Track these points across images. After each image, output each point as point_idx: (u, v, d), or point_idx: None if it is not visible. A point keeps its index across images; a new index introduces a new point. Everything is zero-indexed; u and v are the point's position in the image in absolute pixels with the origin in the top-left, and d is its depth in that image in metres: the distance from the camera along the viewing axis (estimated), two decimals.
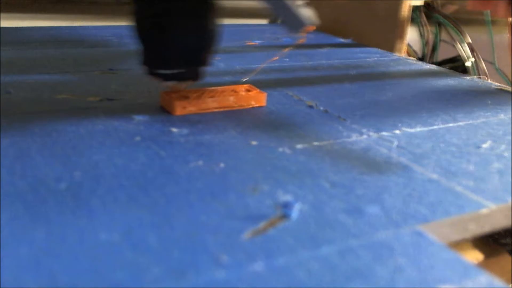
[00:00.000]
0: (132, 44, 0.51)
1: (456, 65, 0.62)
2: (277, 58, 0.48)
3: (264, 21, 0.79)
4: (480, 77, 0.50)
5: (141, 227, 0.19)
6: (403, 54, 0.57)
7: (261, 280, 0.16)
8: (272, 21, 0.77)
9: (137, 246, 0.18)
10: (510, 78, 0.57)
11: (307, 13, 0.27)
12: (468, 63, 0.59)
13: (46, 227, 0.18)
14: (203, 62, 0.32)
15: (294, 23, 0.27)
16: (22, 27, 0.56)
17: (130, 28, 0.31)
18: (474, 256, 0.29)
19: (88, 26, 0.61)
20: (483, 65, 0.59)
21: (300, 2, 0.27)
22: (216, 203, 0.21)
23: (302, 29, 0.27)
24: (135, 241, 0.18)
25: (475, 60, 0.59)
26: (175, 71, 0.31)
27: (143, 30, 0.31)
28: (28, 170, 0.23)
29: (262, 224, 0.19)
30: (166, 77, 0.31)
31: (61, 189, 0.21)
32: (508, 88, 0.43)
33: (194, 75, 0.32)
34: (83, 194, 0.21)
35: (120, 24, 0.64)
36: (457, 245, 0.29)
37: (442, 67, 0.54)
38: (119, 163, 0.24)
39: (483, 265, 0.29)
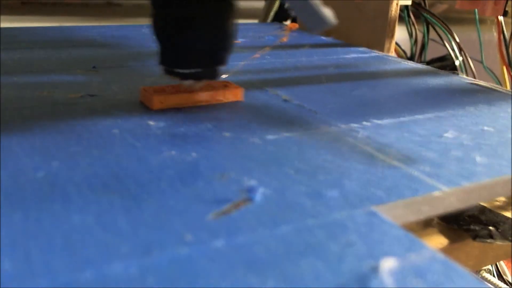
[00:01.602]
0: (118, 44, 0.52)
1: (444, 64, 0.63)
2: (258, 56, 0.50)
3: (252, 21, 0.80)
4: (457, 73, 0.51)
5: (112, 210, 0.20)
6: (392, 54, 0.58)
7: (221, 255, 0.17)
8: (263, 20, 0.78)
9: (108, 227, 0.19)
10: (499, 76, 0.58)
11: (328, 12, 0.28)
12: (457, 62, 0.61)
13: (23, 211, 0.20)
14: (220, 61, 0.33)
15: (316, 21, 0.28)
16: (8, 28, 0.57)
17: (149, 28, 0.32)
18: (439, 241, 0.30)
19: (74, 27, 0.62)
20: (470, 63, 0.61)
21: (319, 1, 0.28)
22: (185, 188, 0.22)
23: (323, 28, 0.28)
24: (106, 223, 0.19)
25: (463, 59, 0.61)
26: (193, 70, 0.32)
27: (162, 30, 0.32)
28: (8, 161, 0.24)
29: (226, 206, 0.21)
30: (184, 76, 0.32)
31: (38, 177, 0.22)
32: (480, 82, 0.45)
33: (211, 74, 0.33)
34: (59, 182, 0.22)
35: (105, 24, 0.66)
36: (422, 230, 0.30)
37: (431, 66, 0.55)
38: (95, 154, 0.25)
39: (448, 250, 0.30)
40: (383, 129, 0.31)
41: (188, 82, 0.33)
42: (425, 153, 0.27)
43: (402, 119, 0.33)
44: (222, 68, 0.33)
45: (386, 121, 0.32)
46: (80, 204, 0.20)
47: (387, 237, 0.19)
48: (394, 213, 0.21)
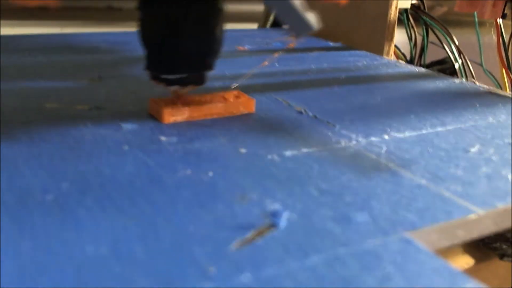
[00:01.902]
0: (122, 51, 0.51)
1: (444, 67, 0.62)
2: (267, 63, 0.48)
3: (254, 26, 0.79)
4: (468, 80, 0.50)
5: (128, 238, 0.19)
6: (391, 57, 0.57)
7: None
8: (262, 26, 0.77)
9: (124, 258, 0.17)
10: (499, 79, 0.57)
11: (312, 17, 0.27)
12: (456, 65, 0.60)
13: (33, 240, 0.18)
14: (207, 67, 0.32)
15: (299, 26, 0.27)
16: (11, 35, 0.56)
17: (136, 33, 0.31)
18: (465, 261, 0.29)
19: (78, 33, 0.60)
20: (470, 66, 0.60)
21: (303, 4, 0.27)
22: (204, 212, 0.21)
23: (307, 32, 0.28)
24: (122, 253, 0.18)
25: (462, 62, 0.60)
26: (178, 76, 0.31)
27: (148, 36, 0.31)
28: (14, 181, 0.23)
29: (250, 234, 0.19)
30: (170, 82, 0.31)
31: (48, 200, 0.21)
32: (497, 90, 0.43)
33: (198, 80, 0.32)
34: (70, 206, 0.21)
35: (110, 31, 0.64)
36: (448, 250, 0.29)
37: (430, 69, 0.54)
38: (107, 173, 0.24)
39: (474, 270, 0.29)
40: (405, 144, 0.29)
41: (174, 88, 0.32)
42: (453, 171, 0.26)
43: (423, 131, 0.31)
44: (209, 73, 0.32)
45: (406, 135, 0.31)
46: (94, 231, 0.19)
47: (426, 269, 0.18)
48: (428, 239, 0.20)
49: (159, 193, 0.22)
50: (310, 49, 0.57)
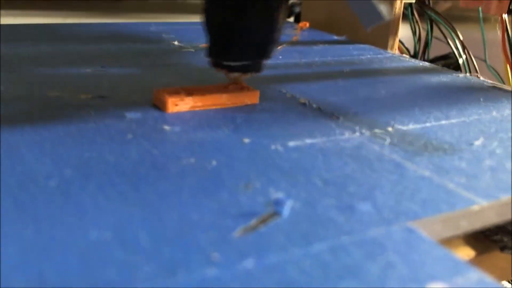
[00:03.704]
0: (124, 41, 0.51)
1: (448, 62, 0.62)
2: None
3: None
4: (472, 75, 0.50)
5: (132, 225, 0.19)
6: (395, 51, 0.57)
7: (252, 277, 0.16)
8: None
9: (128, 244, 0.17)
10: (503, 75, 0.57)
11: (384, 7, 0.27)
12: (460, 60, 0.60)
13: (35, 224, 0.18)
14: (267, 55, 0.33)
15: (371, 16, 0.28)
16: (14, 25, 0.56)
17: (200, 21, 0.32)
18: (466, 253, 0.29)
19: (81, 23, 0.60)
20: (474, 62, 0.60)
21: None
22: (208, 200, 0.21)
23: (378, 23, 0.28)
24: (125, 239, 0.18)
25: (466, 57, 0.60)
26: (242, 63, 0.32)
27: (212, 23, 0.32)
28: (17, 167, 0.23)
29: (253, 221, 0.19)
30: (232, 69, 0.32)
31: (51, 186, 0.21)
32: (501, 85, 0.43)
33: (258, 68, 0.33)
34: (73, 191, 0.21)
35: (113, 21, 0.64)
36: (449, 241, 0.29)
37: (435, 64, 0.54)
38: (110, 160, 0.24)
39: (474, 261, 0.29)
40: (409, 136, 0.29)
41: (234, 75, 0.33)
42: (457, 163, 0.26)
43: (427, 124, 0.31)
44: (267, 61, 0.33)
45: (410, 127, 0.31)
46: (97, 217, 0.19)
47: (429, 257, 0.18)
48: (431, 229, 0.20)
49: (163, 181, 0.22)
50: (315, 43, 0.56)
